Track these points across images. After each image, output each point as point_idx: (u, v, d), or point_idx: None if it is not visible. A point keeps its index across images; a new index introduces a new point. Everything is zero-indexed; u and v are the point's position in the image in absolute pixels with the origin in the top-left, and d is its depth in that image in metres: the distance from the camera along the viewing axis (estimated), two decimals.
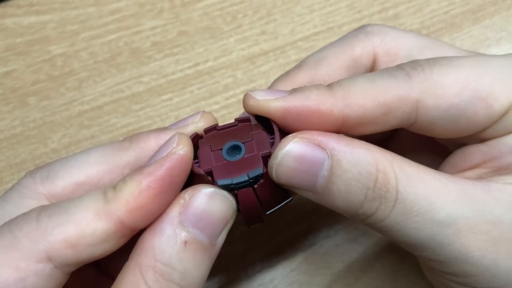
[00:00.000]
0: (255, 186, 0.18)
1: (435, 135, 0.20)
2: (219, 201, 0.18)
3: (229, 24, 0.38)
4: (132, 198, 0.17)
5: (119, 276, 0.17)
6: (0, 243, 0.17)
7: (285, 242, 0.29)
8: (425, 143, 0.24)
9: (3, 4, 0.39)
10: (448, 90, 0.18)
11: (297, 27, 0.37)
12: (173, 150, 0.18)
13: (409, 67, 0.19)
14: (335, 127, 0.18)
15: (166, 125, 0.22)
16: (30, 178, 0.20)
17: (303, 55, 0.36)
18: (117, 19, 0.38)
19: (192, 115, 0.21)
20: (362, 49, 0.22)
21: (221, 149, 0.19)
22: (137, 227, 0.18)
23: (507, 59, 0.19)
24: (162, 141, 0.19)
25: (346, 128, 0.19)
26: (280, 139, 0.18)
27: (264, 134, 0.19)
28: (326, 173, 0.17)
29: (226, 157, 0.19)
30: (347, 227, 0.29)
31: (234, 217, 0.19)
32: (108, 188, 0.18)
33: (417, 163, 0.18)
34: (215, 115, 0.34)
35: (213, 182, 0.18)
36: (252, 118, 0.21)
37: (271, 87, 0.23)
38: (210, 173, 0.19)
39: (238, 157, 0.19)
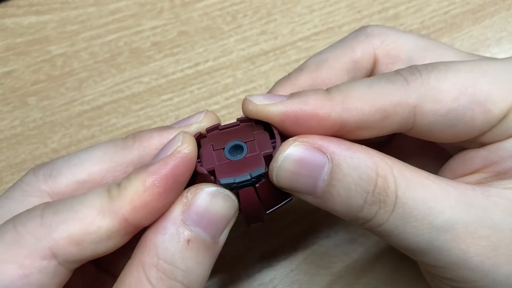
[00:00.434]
0: (257, 185, 0.19)
1: (434, 139, 0.20)
2: (221, 200, 0.18)
3: (229, 24, 0.38)
4: (136, 196, 0.17)
5: (122, 273, 0.18)
6: (4, 240, 0.17)
7: (285, 242, 0.29)
8: (424, 147, 0.24)
9: (3, 4, 0.39)
10: (445, 95, 0.18)
11: (297, 27, 0.37)
12: (178, 149, 0.18)
13: (407, 72, 0.19)
14: (333, 131, 0.18)
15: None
16: (32, 175, 0.20)
17: (303, 55, 0.36)
18: (117, 19, 0.38)
19: (195, 114, 0.21)
20: (362, 51, 0.22)
21: (223, 148, 0.19)
22: (141, 224, 0.18)
23: (504, 63, 0.19)
24: (165, 140, 0.20)
25: (344, 133, 0.19)
26: (281, 143, 0.19)
27: (265, 134, 0.19)
28: (326, 177, 0.17)
29: (228, 156, 0.19)
30: (347, 227, 0.29)
31: (236, 215, 0.19)
32: (113, 185, 0.18)
33: (416, 168, 0.18)
34: None
35: (215, 181, 0.19)
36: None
37: (272, 89, 0.23)
38: (212, 172, 0.19)
39: (240, 156, 0.19)
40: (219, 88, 0.35)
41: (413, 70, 0.19)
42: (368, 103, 0.18)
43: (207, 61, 0.36)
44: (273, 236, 0.29)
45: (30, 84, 0.36)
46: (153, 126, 0.34)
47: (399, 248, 0.19)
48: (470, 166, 0.20)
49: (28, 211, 0.18)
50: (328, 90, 0.19)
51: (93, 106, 0.35)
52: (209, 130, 0.21)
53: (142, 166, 0.18)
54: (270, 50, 0.37)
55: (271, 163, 0.18)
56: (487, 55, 0.35)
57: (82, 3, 0.39)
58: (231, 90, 0.35)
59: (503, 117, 0.18)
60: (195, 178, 0.19)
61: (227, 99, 0.35)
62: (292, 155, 0.18)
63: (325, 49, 0.23)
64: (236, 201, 0.19)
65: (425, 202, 0.17)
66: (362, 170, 0.17)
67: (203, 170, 0.19)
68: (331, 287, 0.28)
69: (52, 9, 0.38)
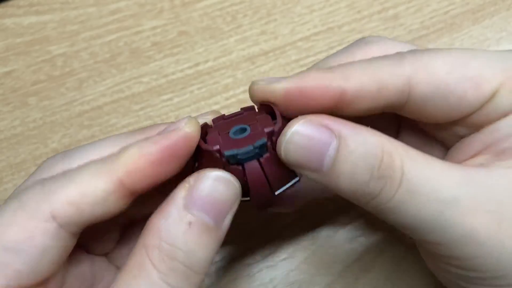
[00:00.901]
0: (262, 160, 0.19)
1: (426, 118, 0.20)
2: (223, 184, 0.19)
3: (229, 24, 0.38)
4: (131, 160, 0.18)
5: (128, 257, 0.18)
6: (9, 207, 0.18)
7: (285, 242, 0.29)
8: (425, 145, 0.24)
9: (3, 4, 0.39)
10: (438, 69, 0.19)
11: (297, 27, 0.37)
12: (180, 127, 0.19)
13: (404, 52, 0.20)
14: (333, 100, 0.19)
15: None
16: (52, 158, 0.21)
17: (303, 55, 0.36)
18: (117, 19, 0.38)
19: (201, 114, 0.23)
20: (362, 56, 0.23)
21: (228, 132, 0.20)
22: (136, 189, 0.19)
23: (495, 52, 0.20)
24: None
25: (344, 104, 0.19)
26: (282, 122, 0.19)
27: (268, 117, 0.21)
28: (333, 153, 0.18)
29: (233, 136, 0.20)
30: (347, 227, 0.30)
31: (238, 201, 0.19)
32: (112, 154, 0.19)
33: (420, 151, 0.19)
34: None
35: (220, 158, 0.19)
36: (256, 108, 0.22)
37: None
38: (217, 150, 0.20)
39: (243, 135, 0.20)
40: (219, 88, 0.35)
41: (409, 51, 0.20)
42: (366, 74, 0.19)
43: (207, 61, 0.36)
44: (273, 236, 0.30)
45: (30, 84, 0.36)
46: None
47: (403, 227, 0.19)
48: (469, 151, 0.20)
49: (31, 186, 0.19)
50: (329, 67, 0.20)
51: (93, 106, 0.35)
52: (215, 120, 0.22)
53: (144, 138, 0.19)
54: (270, 50, 0.37)
55: (280, 137, 0.19)
56: None
57: (82, 3, 0.39)
58: (231, 90, 0.35)
59: (494, 94, 0.19)
60: (202, 158, 0.20)
61: (227, 99, 0.35)
62: (300, 131, 0.18)
63: (326, 57, 0.24)
64: (238, 185, 0.19)
65: (431, 178, 0.17)
66: (368, 147, 0.18)
67: (208, 147, 0.19)
68: (331, 287, 0.28)
69: (52, 9, 0.39)
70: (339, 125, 0.18)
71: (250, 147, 0.19)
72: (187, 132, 0.19)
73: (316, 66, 0.23)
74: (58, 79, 0.36)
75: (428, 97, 0.19)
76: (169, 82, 0.36)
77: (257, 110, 0.22)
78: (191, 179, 0.19)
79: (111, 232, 0.24)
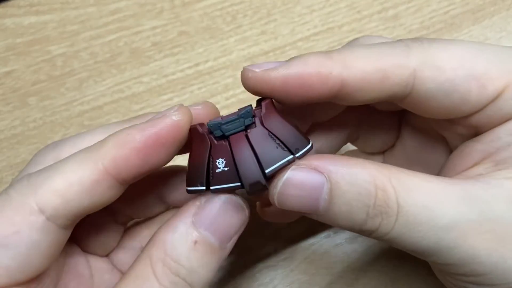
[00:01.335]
0: (248, 132, 0.18)
1: (427, 113, 0.20)
2: (233, 208, 0.19)
3: (229, 24, 0.38)
4: (115, 148, 0.18)
5: (131, 265, 0.18)
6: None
7: (285, 242, 0.29)
8: (426, 146, 0.24)
9: (3, 4, 0.39)
10: (445, 64, 0.18)
11: (297, 27, 0.37)
12: (167, 114, 0.18)
13: (409, 40, 0.19)
14: (334, 90, 0.19)
15: None
16: (44, 148, 0.21)
17: None
18: (117, 19, 0.38)
19: (194, 104, 0.22)
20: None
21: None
22: (122, 178, 0.18)
23: (502, 47, 0.20)
24: None
25: (344, 94, 0.19)
26: (266, 108, 0.18)
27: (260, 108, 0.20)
28: (326, 196, 0.17)
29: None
30: None
31: (245, 224, 0.19)
32: (97, 141, 0.19)
33: (413, 172, 0.18)
34: None
35: (207, 136, 0.18)
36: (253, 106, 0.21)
37: None
38: (202, 127, 0.19)
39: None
40: (219, 88, 0.35)
41: (414, 39, 0.19)
42: (369, 62, 0.18)
43: (207, 61, 0.36)
44: (273, 236, 0.30)
45: (30, 84, 0.36)
46: None
47: (407, 251, 0.19)
48: (470, 160, 0.20)
49: (19, 179, 0.19)
50: (328, 52, 0.19)
51: (93, 106, 0.35)
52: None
53: (130, 125, 0.19)
54: (270, 50, 0.37)
55: (271, 187, 0.18)
56: None
57: (82, 3, 0.39)
58: (231, 90, 0.35)
59: (497, 96, 0.18)
60: (191, 143, 0.19)
61: (227, 99, 0.35)
62: (290, 179, 0.18)
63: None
64: (248, 210, 0.19)
65: (427, 206, 0.17)
66: (360, 185, 0.17)
67: (193, 125, 0.19)
68: (331, 287, 0.28)
69: (52, 9, 0.39)
70: (329, 165, 0.18)
71: (234, 116, 0.18)
72: (174, 120, 0.18)
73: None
74: (58, 79, 0.36)
75: (432, 93, 0.19)
76: (169, 82, 0.36)
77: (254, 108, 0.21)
78: (202, 198, 0.19)
79: (111, 232, 0.24)
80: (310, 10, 0.38)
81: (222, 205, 0.19)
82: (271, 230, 0.30)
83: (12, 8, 0.39)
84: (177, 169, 0.23)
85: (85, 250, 0.23)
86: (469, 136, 0.20)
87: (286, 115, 0.19)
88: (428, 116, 0.20)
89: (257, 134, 0.18)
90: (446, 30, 0.37)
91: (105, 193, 0.18)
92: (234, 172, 0.18)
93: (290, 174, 0.18)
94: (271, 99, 0.19)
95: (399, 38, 0.22)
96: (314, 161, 0.18)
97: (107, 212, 0.22)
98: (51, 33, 0.38)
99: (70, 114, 0.35)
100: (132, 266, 0.18)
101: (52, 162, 0.20)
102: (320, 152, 0.25)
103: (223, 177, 0.18)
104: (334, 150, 0.26)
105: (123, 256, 0.24)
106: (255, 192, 0.18)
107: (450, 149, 0.23)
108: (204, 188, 0.19)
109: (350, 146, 0.27)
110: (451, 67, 0.18)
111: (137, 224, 0.25)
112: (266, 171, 0.18)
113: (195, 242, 0.18)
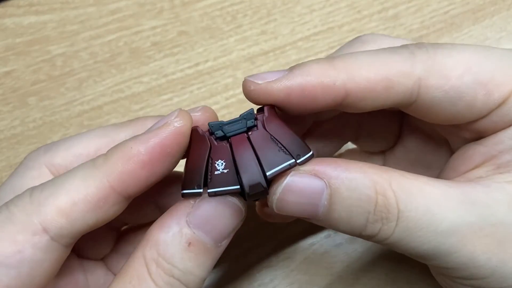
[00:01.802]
0: (250, 134, 0.18)
1: (432, 119, 0.20)
2: (228, 207, 0.18)
3: (229, 24, 0.38)
4: (121, 163, 0.17)
5: (125, 265, 0.18)
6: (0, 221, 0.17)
7: (285, 242, 0.29)
8: (428, 146, 0.24)
9: (3, 4, 0.39)
10: (451, 72, 0.18)
11: (297, 27, 0.37)
12: (169, 122, 0.18)
13: (413, 46, 0.19)
14: (338, 100, 0.18)
15: None
16: (36, 151, 0.21)
17: (303, 55, 0.36)
18: (117, 19, 0.38)
19: (192, 109, 0.22)
20: None
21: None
22: (128, 194, 0.18)
23: (509, 51, 0.19)
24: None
25: (348, 103, 0.19)
26: (269, 112, 0.18)
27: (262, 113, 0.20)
28: (326, 202, 0.17)
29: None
30: None
31: (240, 224, 0.19)
32: (100, 155, 0.18)
33: (414, 175, 0.18)
34: None
35: (208, 137, 0.18)
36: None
37: None
38: (202, 130, 0.19)
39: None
40: (219, 88, 0.35)
41: (419, 45, 0.19)
42: (373, 71, 0.18)
43: (207, 61, 0.36)
44: (273, 236, 0.29)
45: (30, 84, 0.36)
46: None
47: (407, 255, 0.19)
48: (471, 163, 0.20)
49: (20, 194, 0.18)
50: (331, 59, 0.19)
51: (93, 106, 0.35)
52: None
53: (132, 137, 0.18)
54: (270, 50, 0.37)
55: (270, 194, 0.18)
56: None
57: (82, 3, 0.39)
58: (231, 90, 0.35)
59: (502, 102, 0.18)
60: (190, 144, 0.19)
61: (227, 99, 0.35)
62: (289, 186, 0.18)
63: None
64: (243, 209, 0.18)
65: (427, 210, 0.17)
66: (360, 191, 0.17)
67: (197, 127, 0.19)
68: (331, 287, 0.28)
69: (52, 9, 0.38)
70: (329, 170, 0.17)
71: (237, 118, 0.18)
72: (176, 126, 0.18)
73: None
74: (58, 79, 0.36)
75: (437, 100, 0.18)
76: (169, 82, 0.36)
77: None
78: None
79: (106, 237, 0.23)
80: (310, 10, 0.38)
81: (217, 204, 0.18)
82: (271, 230, 0.30)
83: (11, 8, 0.39)
84: (173, 176, 0.23)
85: (80, 255, 0.23)
86: (472, 140, 0.20)
87: (287, 123, 0.19)
88: (432, 122, 0.20)
89: (259, 136, 0.18)
90: (446, 30, 0.37)
91: (111, 210, 0.18)
92: (234, 174, 0.18)
93: (289, 180, 0.18)
94: (273, 105, 0.19)
95: (399, 38, 0.22)
96: (314, 166, 0.18)
97: None
98: (51, 33, 0.38)
99: (70, 114, 0.35)
100: (125, 265, 0.18)
101: (45, 168, 0.20)
102: (320, 151, 0.25)
103: (222, 180, 0.18)
104: (334, 150, 0.26)
105: (118, 260, 0.24)
106: (255, 195, 0.18)
107: (451, 151, 0.22)
108: (201, 191, 0.18)
109: (350, 145, 0.27)
110: (456, 75, 0.18)
111: (132, 228, 0.25)
112: (268, 173, 0.17)
113: (189, 243, 0.17)
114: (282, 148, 0.18)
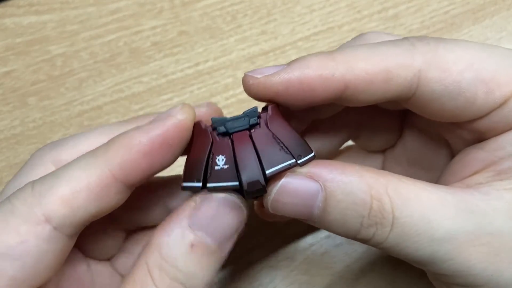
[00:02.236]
0: (252, 131, 0.18)
1: (431, 115, 0.19)
2: (230, 207, 0.18)
3: (229, 24, 0.38)
4: (122, 151, 0.18)
5: (130, 271, 0.18)
6: (1, 214, 0.17)
7: (285, 242, 0.29)
8: (429, 146, 0.24)
9: (3, 4, 0.39)
10: (452, 66, 0.18)
11: (297, 27, 0.37)
12: (172, 114, 0.18)
13: (414, 38, 0.19)
14: (337, 92, 0.18)
15: None
16: (41, 149, 0.21)
17: (303, 55, 0.36)
18: (117, 19, 0.38)
19: (198, 105, 0.22)
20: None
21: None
22: (130, 182, 0.18)
23: None
24: None
25: (347, 95, 0.18)
26: (273, 111, 0.18)
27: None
28: (320, 204, 0.17)
29: None
30: None
31: (243, 224, 0.19)
32: (100, 145, 0.18)
33: (412, 180, 0.18)
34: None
35: (211, 133, 0.18)
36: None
37: None
38: (205, 125, 0.19)
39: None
40: (219, 88, 0.35)
41: (421, 38, 0.19)
42: (372, 63, 0.18)
43: (207, 61, 0.36)
44: (273, 236, 0.29)
45: (30, 84, 0.36)
46: None
47: (402, 259, 0.18)
48: (471, 168, 0.19)
49: (21, 187, 0.18)
50: (330, 53, 0.18)
51: (93, 106, 0.35)
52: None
53: (134, 127, 0.18)
54: (270, 50, 0.37)
55: (265, 195, 0.18)
56: None
57: (82, 3, 0.39)
58: (231, 90, 0.35)
59: (503, 103, 0.18)
60: (192, 138, 0.19)
61: (227, 99, 0.35)
62: (285, 187, 0.17)
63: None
64: (245, 210, 0.18)
65: (424, 217, 0.17)
66: (356, 195, 0.17)
67: (199, 122, 0.19)
68: (331, 287, 0.28)
69: (52, 9, 0.38)
70: (324, 173, 0.17)
71: (240, 115, 0.18)
72: (179, 119, 0.18)
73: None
74: (57, 79, 0.36)
75: (436, 94, 0.18)
76: (169, 82, 0.36)
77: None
78: (197, 198, 0.18)
79: (113, 238, 0.23)
80: (310, 9, 0.38)
81: (219, 205, 0.18)
82: (271, 230, 0.30)
83: (11, 8, 0.39)
84: (181, 177, 0.23)
85: (86, 255, 0.23)
86: (472, 141, 0.20)
87: (291, 123, 0.19)
88: (431, 118, 0.20)
89: (261, 134, 0.18)
90: (446, 30, 0.37)
91: (113, 199, 0.18)
92: (234, 170, 0.18)
93: (285, 181, 0.17)
94: (277, 104, 0.19)
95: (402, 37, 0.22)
96: (310, 168, 0.18)
97: (109, 218, 0.21)
98: (51, 33, 0.38)
99: (70, 114, 0.35)
100: (130, 272, 0.18)
101: (51, 165, 0.20)
102: (320, 150, 0.25)
103: (221, 175, 0.18)
104: (334, 149, 0.26)
105: (125, 261, 0.23)
106: (253, 192, 0.18)
107: (452, 153, 0.22)
108: (200, 184, 0.18)
109: (349, 142, 0.27)
110: (458, 69, 0.18)
111: (140, 229, 0.25)
112: (267, 171, 0.17)
113: (192, 245, 0.17)
114: (284, 147, 0.18)
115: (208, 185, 0.18)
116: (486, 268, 0.17)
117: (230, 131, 0.18)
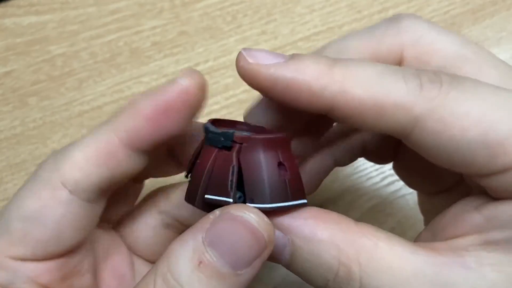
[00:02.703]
0: (217, 150, 0.17)
1: (427, 157, 0.18)
2: (247, 230, 0.16)
3: (229, 24, 0.38)
4: (127, 117, 0.18)
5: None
6: (28, 183, 0.19)
7: None
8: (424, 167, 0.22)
9: (3, 4, 0.39)
10: (455, 120, 0.15)
11: (297, 27, 0.37)
12: (176, 80, 0.18)
13: (426, 77, 0.16)
14: (323, 110, 0.17)
15: None
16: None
17: None
18: (117, 19, 0.38)
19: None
20: (389, 49, 0.19)
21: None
22: (136, 147, 0.19)
23: None
24: None
25: (333, 115, 0.17)
26: (252, 138, 0.17)
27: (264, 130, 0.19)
28: (287, 257, 0.17)
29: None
30: None
31: (267, 254, 0.16)
32: (112, 115, 0.19)
33: (391, 244, 0.16)
34: (215, 115, 0.34)
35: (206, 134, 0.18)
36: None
37: None
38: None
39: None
40: (219, 88, 0.35)
41: (435, 78, 0.16)
42: (369, 94, 0.16)
43: (207, 61, 0.36)
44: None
45: (30, 84, 0.36)
46: None
47: None
48: (461, 228, 0.17)
49: (46, 158, 0.20)
50: (333, 62, 0.17)
51: (93, 106, 0.35)
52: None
53: (141, 94, 0.19)
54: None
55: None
56: None
57: (82, 3, 0.39)
58: (231, 90, 0.35)
59: (506, 170, 0.16)
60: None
61: (227, 99, 0.35)
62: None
63: (350, 34, 0.20)
64: (272, 230, 0.16)
65: None
66: (322, 258, 0.16)
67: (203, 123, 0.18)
68: None
69: (52, 9, 0.38)
70: (294, 228, 0.16)
71: (218, 130, 0.17)
72: (182, 85, 0.18)
73: (334, 46, 0.20)
74: (58, 79, 0.36)
75: (431, 145, 0.16)
76: None
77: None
78: (217, 211, 0.16)
79: (160, 237, 0.23)
80: (310, 10, 0.38)
81: (234, 223, 0.16)
82: None
83: (12, 8, 0.39)
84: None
85: (134, 252, 0.22)
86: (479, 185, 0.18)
87: (295, 160, 0.18)
88: (426, 157, 0.18)
89: (221, 158, 0.17)
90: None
91: (123, 164, 0.19)
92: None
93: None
94: (289, 138, 0.18)
95: (438, 25, 0.20)
96: (280, 219, 0.17)
97: (157, 213, 0.22)
98: (51, 33, 0.38)
99: (70, 114, 0.35)
100: (144, 276, 0.17)
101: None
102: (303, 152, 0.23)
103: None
104: (345, 163, 0.24)
105: (132, 232, 0.23)
106: (193, 205, 0.17)
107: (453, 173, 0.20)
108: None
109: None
110: (461, 126, 0.15)
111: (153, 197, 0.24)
112: (205, 196, 0.17)
113: (200, 262, 0.15)
114: (231, 182, 0.16)
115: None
116: None
117: (208, 143, 0.17)
